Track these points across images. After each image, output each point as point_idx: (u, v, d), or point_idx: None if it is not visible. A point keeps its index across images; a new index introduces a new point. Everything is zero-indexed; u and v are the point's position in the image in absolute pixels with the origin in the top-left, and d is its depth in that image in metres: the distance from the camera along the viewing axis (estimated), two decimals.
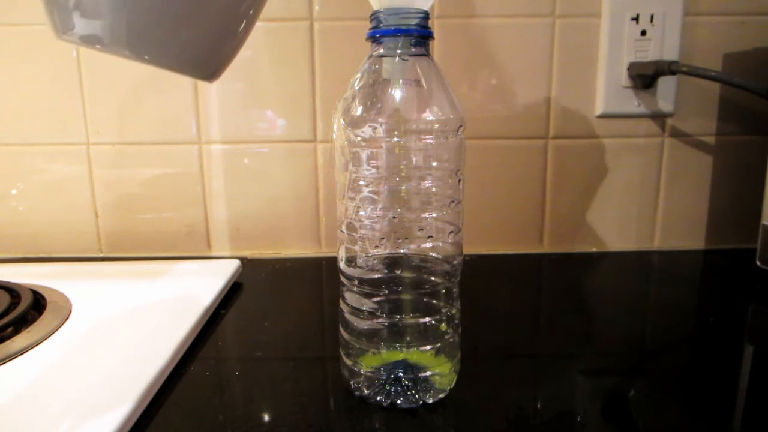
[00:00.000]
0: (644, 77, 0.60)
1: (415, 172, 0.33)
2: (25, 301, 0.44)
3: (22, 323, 0.42)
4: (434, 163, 0.33)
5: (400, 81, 0.32)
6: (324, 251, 0.66)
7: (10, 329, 0.40)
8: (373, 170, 0.32)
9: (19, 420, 0.30)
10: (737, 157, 0.64)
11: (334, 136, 0.34)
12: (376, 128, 0.31)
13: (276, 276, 0.60)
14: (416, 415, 0.33)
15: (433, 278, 0.34)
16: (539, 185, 0.65)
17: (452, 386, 0.35)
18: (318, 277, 0.61)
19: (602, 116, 0.63)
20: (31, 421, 0.30)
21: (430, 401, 0.33)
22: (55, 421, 0.30)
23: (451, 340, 0.34)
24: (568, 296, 0.54)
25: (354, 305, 0.34)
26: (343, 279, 0.35)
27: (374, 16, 0.32)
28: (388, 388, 0.33)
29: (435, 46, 0.61)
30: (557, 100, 0.63)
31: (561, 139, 0.63)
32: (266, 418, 0.33)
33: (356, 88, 0.32)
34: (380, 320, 0.33)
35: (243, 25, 0.35)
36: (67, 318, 0.43)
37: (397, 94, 0.32)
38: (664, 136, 0.64)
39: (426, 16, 0.32)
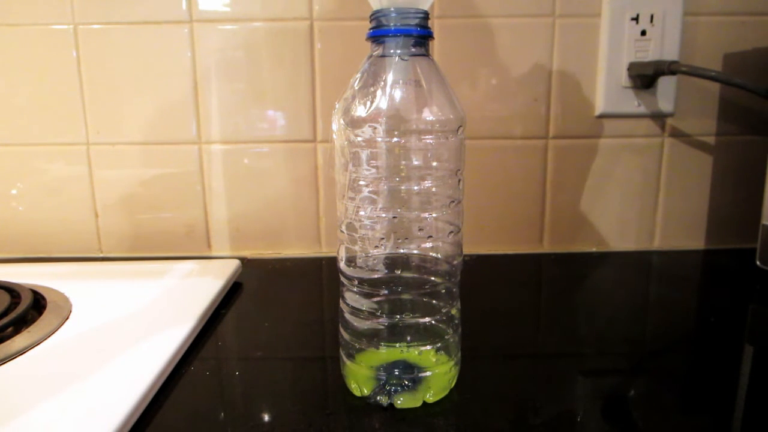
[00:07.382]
0: (644, 77, 0.60)
1: (415, 172, 0.33)
2: (25, 301, 0.44)
3: (22, 323, 0.42)
4: (434, 163, 0.33)
5: (400, 81, 0.32)
6: (324, 251, 0.66)
7: (10, 329, 0.40)
8: (373, 170, 0.32)
9: (18, 420, 0.30)
10: (737, 157, 0.64)
11: (334, 136, 0.34)
12: (376, 128, 0.31)
13: (276, 276, 0.60)
14: (416, 415, 0.33)
15: (433, 278, 0.34)
16: (539, 185, 0.65)
17: (452, 386, 0.35)
18: (318, 277, 0.61)
19: (602, 116, 0.63)
20: (30, 421, 0.30)
21: (431, 401, 0.33)
22: (54, 422, 0.30)
23: (451, 339, 0.34)
24: (568, 296, 0.54)
25: (354, 305, 0.34)
26: (343, 279, 0.35)
27: (374, 16, 0.32)
28: (388, 388, 0.33)
29: (435, 46, 0.61)
30: (557, 100, 0.63)
31: (561, 139, 0.63)
32: (266, 418, 0.33)
33: (356, 88, 0.32)
34: (380, 320, 0.33)
35: None
36: (67, 318, 0.43)
37: (397, 94, 0.32)
38: (664, 136, 0.64)
39: (426, 16, 0.32)
